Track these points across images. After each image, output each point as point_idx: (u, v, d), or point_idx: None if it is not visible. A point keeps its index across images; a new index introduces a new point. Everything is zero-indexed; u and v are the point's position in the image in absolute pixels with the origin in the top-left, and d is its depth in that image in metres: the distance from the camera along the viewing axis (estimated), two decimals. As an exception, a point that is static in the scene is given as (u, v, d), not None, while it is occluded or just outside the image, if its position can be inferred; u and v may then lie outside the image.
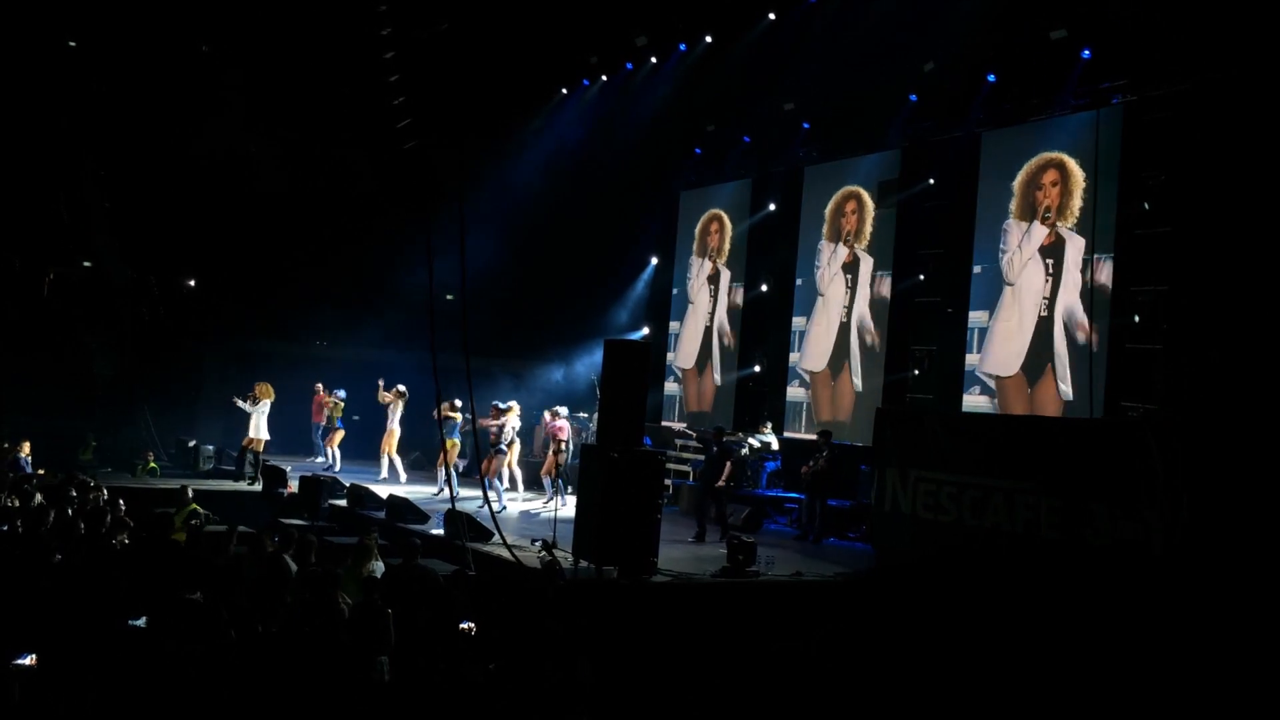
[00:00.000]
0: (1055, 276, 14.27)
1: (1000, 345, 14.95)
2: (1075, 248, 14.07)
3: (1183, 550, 8.99)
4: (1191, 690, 8.33)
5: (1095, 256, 13.64)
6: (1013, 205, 14.96)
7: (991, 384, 14.95)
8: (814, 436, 15.57)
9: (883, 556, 11.91)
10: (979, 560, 10.52)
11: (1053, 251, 14.35)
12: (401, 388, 16.84)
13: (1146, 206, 13.18)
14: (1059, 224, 14.29)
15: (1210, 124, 12.42)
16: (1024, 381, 14.52)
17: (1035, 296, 14.52)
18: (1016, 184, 14.93)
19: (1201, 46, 12.41)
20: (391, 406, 16.78)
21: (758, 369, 19.46)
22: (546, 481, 15.20)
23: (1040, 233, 14.54)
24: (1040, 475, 10.22)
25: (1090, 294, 13.61)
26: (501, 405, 15.06)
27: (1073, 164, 14.16)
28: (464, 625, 6.26)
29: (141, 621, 5.22)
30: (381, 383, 17.02)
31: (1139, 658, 8.73)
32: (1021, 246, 14.78)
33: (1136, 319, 13.22)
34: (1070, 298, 14.06)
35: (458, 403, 15.14)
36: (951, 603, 10.09)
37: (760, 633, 9.56)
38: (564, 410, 15.36)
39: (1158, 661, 8.61)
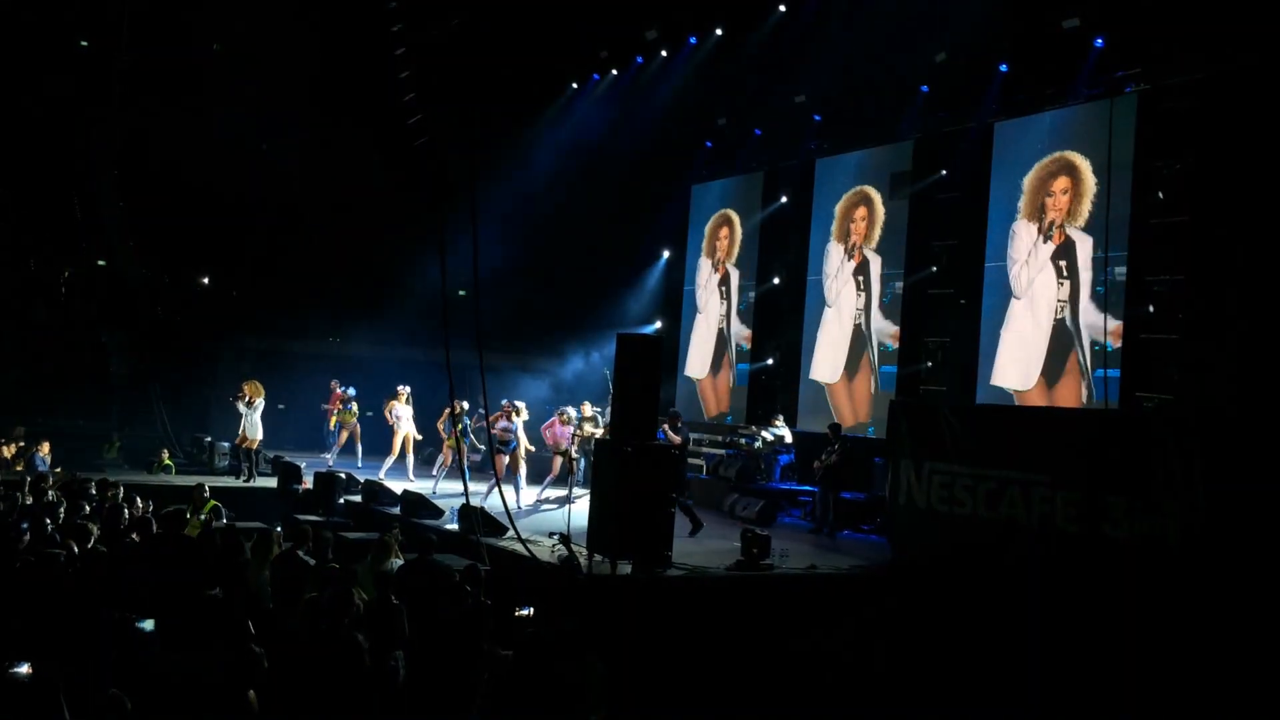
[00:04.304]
0: (1071, 277, 14.11)
1: (1015, 357, 14.74)
2: (1086, 247, 13.97)
3: (1199, 543, 8.94)
4: (1209, 682, 8.29)
5: (1108, 255, 13.52)
6: (1021, 204, 14.88)
7: (1013, 398, 14.71)
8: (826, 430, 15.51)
9: (898, 549, 11.87)
10: (995, 553, 10.49)
11: (1064, 253, 14.24)
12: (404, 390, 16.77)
13: (1161, 196, 13.10)
14: (1067, 225, 14.23)
15: (1226, 112, 12.33)
16: (1044, 390, 14.34)
17: (1050, 303, 14.37)
18: (1026, 183, 14.85)
19: (1216, 34, 12.32)
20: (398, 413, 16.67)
21: (771, 362, 19.43)
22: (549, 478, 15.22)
23: (1047, 245, 14.48)
24: (1057, 467, 10.17)
25: (1106, 290, 13.53)
26: (507, 403, 15.00)
27: (1084, 165, 14.05)
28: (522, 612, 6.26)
29: (149, 624, 5.19)
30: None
31: (1158, 650, 8.68)
32: (1030, 260, 14.67)
33: (1151, 309, 13.15)
34: (1085, 298, 13.93)
35: (465, 405, 15.12)
36: (967, 595, 10.06)
37: (775, 626, 9.55)
38: (573, 411, 15.32)
39: (1176, 654, 8.57)
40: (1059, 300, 14.27)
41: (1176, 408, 12.32)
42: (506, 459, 14.59)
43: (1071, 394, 13.97)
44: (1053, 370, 14.26)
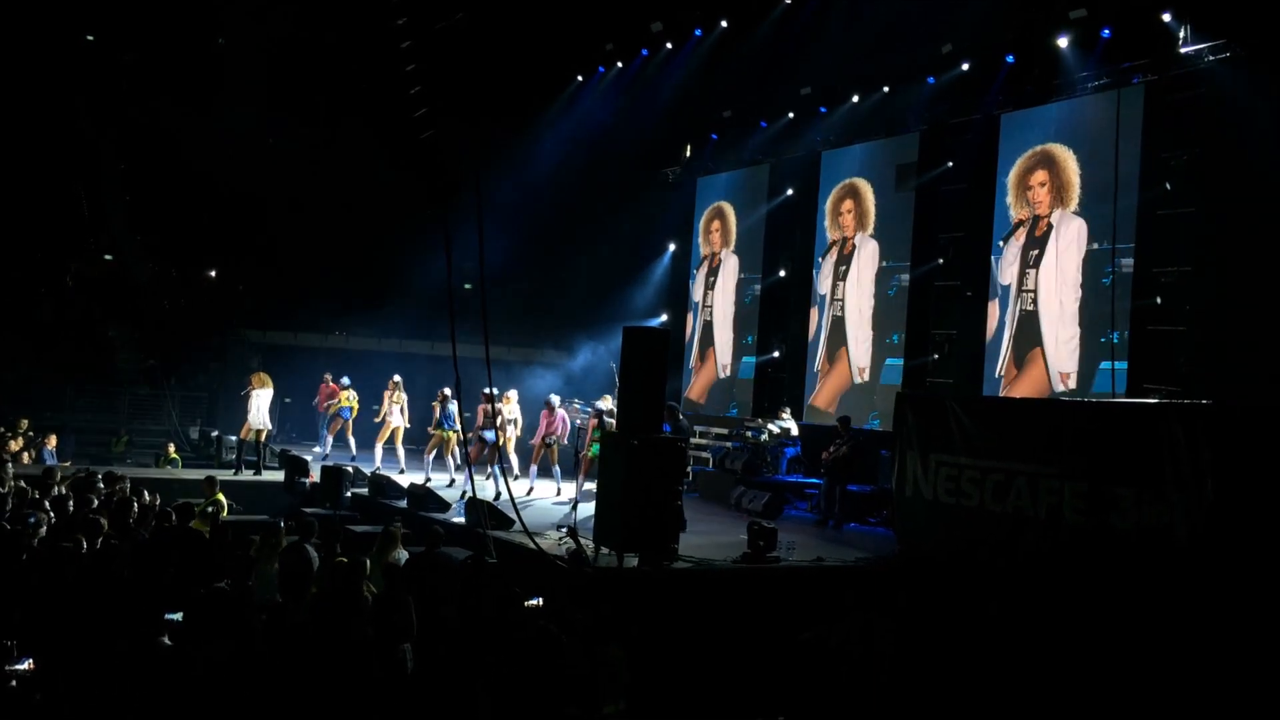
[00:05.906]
0: (1036, 268, 14.49)
1: (993, 348, 15.05)
2: (1071, 230, 14.12)
3: (1208, 535, 8.91)
4: (1217, 678, 8.27)
5: (1115, 246, 13.55)
6: (1010, 200, 15.10)
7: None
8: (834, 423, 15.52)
9: (904, 542, 11.86)
10: (1002, 545, 10.47)
11: (1038, 244, 14.50)
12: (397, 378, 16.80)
13: (1168, 187, 13.06)
14: (1053, 214, 14.43)
15: (1233, 103, 12.28)
16: (1011, 380, 14.65)
17: (1014, 293, 14.75)
18: (1010, 181, 15.06)
19: (1223, 25, 12.28)
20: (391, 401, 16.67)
21: (776, 355, 19.42)
22: (533, 470, 15.22)
23: (1022, 239, 14.78)
24: (1064, 459, 10.14)
25: (1113, 282, 13.53)
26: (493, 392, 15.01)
27: (1062, 152, 14.27)
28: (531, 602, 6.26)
29: (178, 615, 5.26)
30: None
31: (1165, 645, 8.67)
32: (1006, 248, 14.99)
33: (1159, 300, 13.11)
34: (1063, 280, 14.14)
35: (447, 391, 15.11)
36: (975, 588, 10.05)
37: (783, 618, 9.54)
38: (555, 399, 15.29)
39: (1184, 649, 8.55)
40: (1025, 290, 14.57)
41: (1184, 399, 12.28)
42: (488, 449, 14.60)
43: (1035, 386, 14.29)
44: (1018, 361, 14.57)
